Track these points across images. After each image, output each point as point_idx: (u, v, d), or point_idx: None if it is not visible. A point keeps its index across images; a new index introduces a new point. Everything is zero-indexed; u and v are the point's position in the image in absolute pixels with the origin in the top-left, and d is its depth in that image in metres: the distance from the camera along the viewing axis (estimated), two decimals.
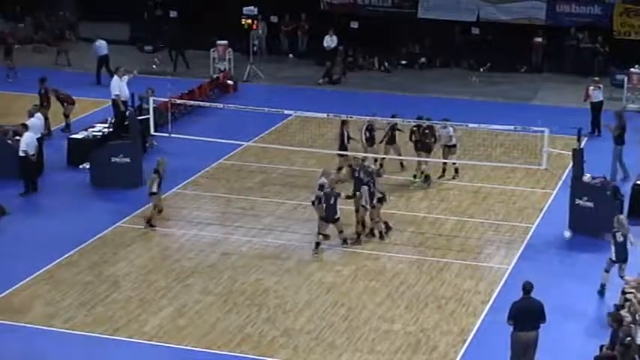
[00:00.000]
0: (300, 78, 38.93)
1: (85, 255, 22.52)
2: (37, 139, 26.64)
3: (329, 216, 22.51)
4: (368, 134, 27.27)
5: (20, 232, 23.91)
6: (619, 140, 27.04)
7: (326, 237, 22.79)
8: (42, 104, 29.83)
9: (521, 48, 39.50)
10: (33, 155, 26.01)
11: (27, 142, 26.03)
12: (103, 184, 26.46)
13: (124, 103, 29.42)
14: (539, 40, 39.56)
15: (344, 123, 26.92)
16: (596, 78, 32.61)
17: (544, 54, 39.85)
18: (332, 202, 22.34)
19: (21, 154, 25.96)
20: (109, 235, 23.64)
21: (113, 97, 29.65)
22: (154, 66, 39.45)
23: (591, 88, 31.56)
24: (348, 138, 26.93)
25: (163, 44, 40.73)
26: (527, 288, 17.43)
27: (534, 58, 39.90)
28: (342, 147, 26.91)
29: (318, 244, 22.62)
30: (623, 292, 18.83)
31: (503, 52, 39.58)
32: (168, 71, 38.32)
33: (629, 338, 16.50)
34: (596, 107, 31.53)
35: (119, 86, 29.63)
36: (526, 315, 17.26)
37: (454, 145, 27.09)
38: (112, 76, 31.40)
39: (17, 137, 26.88)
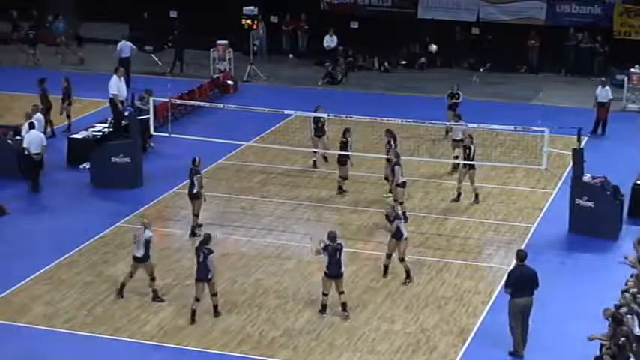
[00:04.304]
0: (300, 78, 38.91)
1: (85, 255, 22.52)
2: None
3: (332, 272, 19.58)
4: (315, 126, 27.46)
5: (20, 232, 23.90)
6: None
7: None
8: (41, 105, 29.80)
9: (521, 48, 39.51)
10: (37, 155, 25.99)
11: (28, 140, 26.05)
12: (103, 184, 26.45)
13: (122, 102, 29.43)
14: (539, 40, 39.52)
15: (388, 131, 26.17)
16: (602, 78, 32.66)
17: (544, 54, 39.84)
18: (338, 256, 19.49)
19: (25, 152, 25.99)
20: (109, 235, 23.63)
21: (110, 96, 29.63)
22: (159, 62, 39.52)
23: (600, 87, 31.64)
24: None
25: (171, 45, 40.66)
26: (522, 255, 18.20)
27: (534, 59, 39.88)
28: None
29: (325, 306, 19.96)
30: (623, 292, 18.82)
31: (503, 52, 39.57)
32: (167, 71, 38.45)
33: (623, 338, 16.56)
34: (604, 106, 31.53)
35: (117, 86, 29.61)
36: (523, 282, 17.94)
37: (461, 140, 26.88)
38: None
39: (17, 137, 26.87)
